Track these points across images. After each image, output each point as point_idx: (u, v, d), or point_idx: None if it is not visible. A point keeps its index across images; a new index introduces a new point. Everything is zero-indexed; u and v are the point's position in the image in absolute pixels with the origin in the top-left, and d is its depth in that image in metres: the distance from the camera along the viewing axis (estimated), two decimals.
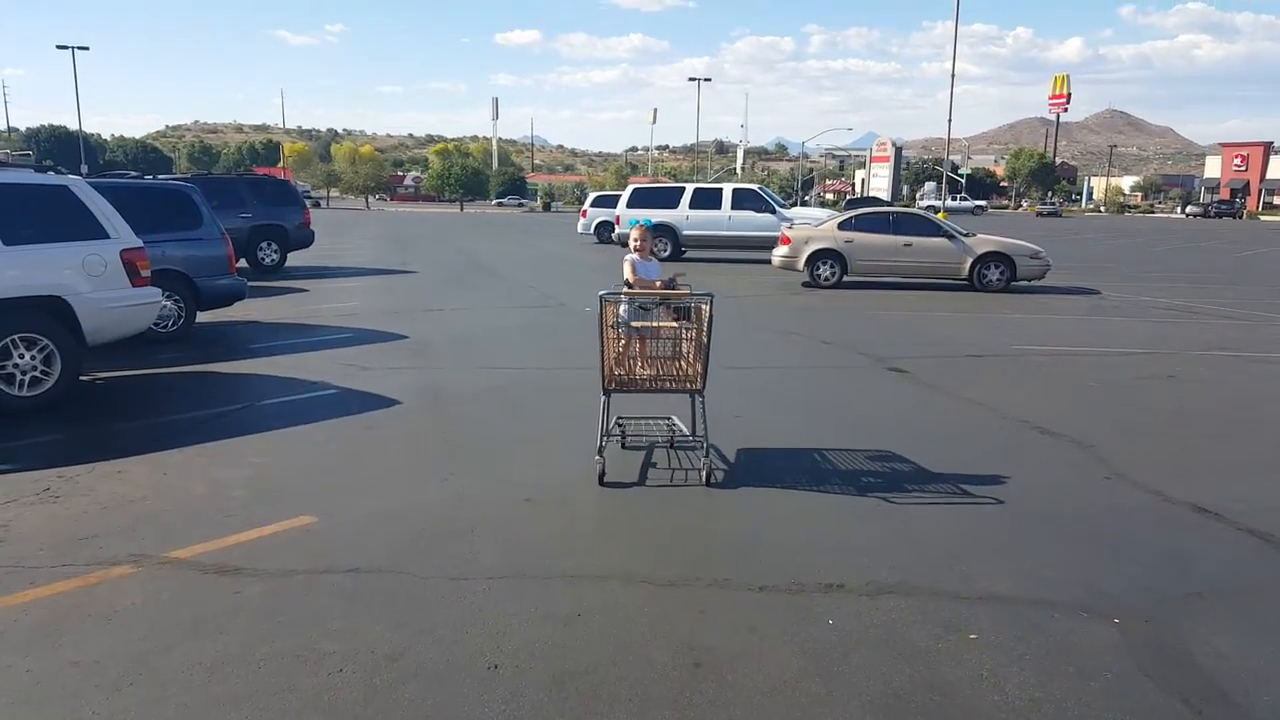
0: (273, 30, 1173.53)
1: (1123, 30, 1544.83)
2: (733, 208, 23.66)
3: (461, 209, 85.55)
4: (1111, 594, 4.01)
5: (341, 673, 3.30)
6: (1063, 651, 3.50)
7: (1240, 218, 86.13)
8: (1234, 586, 4.19)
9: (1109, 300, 16.26)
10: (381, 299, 14.81)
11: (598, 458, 5.49)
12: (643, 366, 5.72)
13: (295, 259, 20.39)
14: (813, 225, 19.16)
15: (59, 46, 68.24)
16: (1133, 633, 3.67)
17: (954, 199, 77.36)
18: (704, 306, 5.51)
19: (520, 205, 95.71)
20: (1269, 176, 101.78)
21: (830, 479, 5.66)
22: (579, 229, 32.30)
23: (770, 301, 15.54)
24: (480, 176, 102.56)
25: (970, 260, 17.01)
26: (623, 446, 6.14)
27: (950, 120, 45.18)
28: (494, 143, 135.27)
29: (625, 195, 25.81)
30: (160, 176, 15.92)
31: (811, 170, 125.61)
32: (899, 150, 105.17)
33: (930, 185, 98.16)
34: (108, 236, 7.78)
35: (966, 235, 17.62)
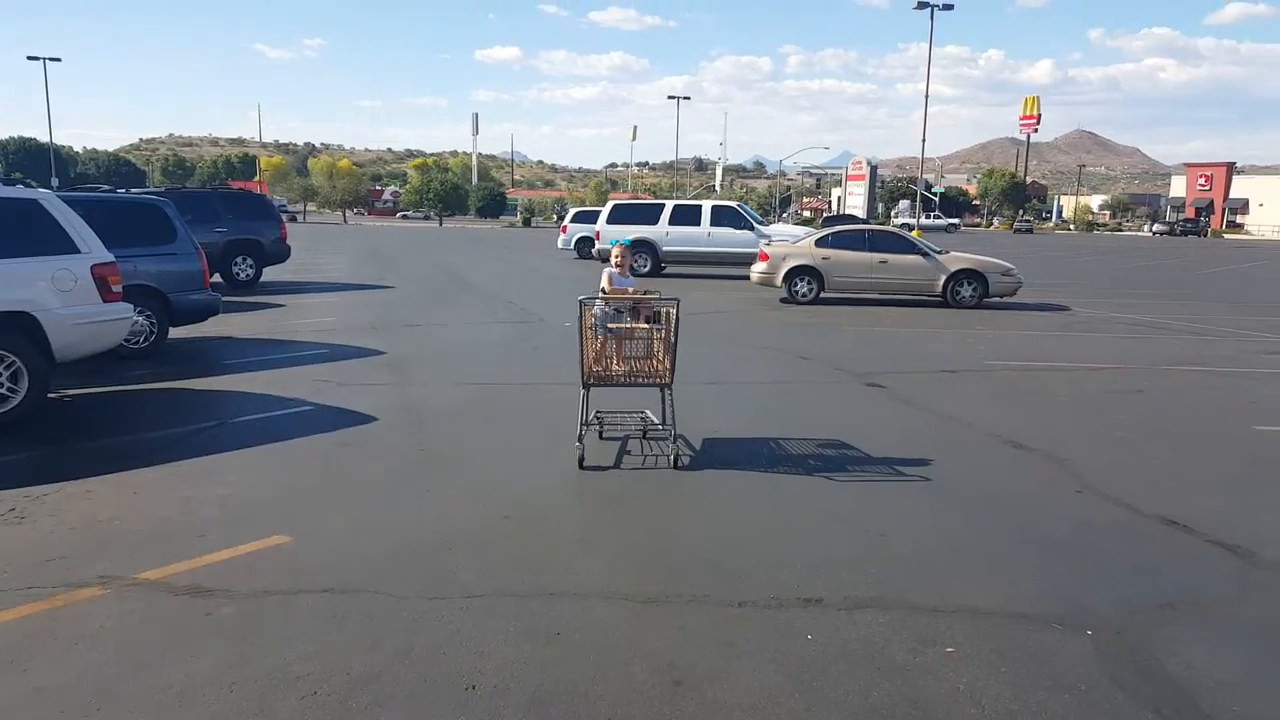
0: (250, 44, 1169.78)
1: (1091, 53, 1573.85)
2: (712, 224, 23.78)
3: (440, 224, 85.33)
4: (1085, 606, 4.05)
5: (316, 695, 3.26)
6: (1038, 664, 3.53)
7: (1205, 236, 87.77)
8: (1204, 598, 4.24)
9: (1079, 316, 16.47)
10: (358, 314, 14.72)
11: (578, 444, 6.07)
12: (618, 364, 6.35)
13: (271, 274, 20.24)
14: (790, 242, 19.34)
15: (30, 58, 67.71)
16: (1106, 645, 3.70)
17: (928, 217, 78.17)
18: (671, 310, 6.15)
19: (428, 217, 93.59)
20: (1232, 195, 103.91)
21: (807, 492, 5.68)
22: (559, 244, 32.32)
23: (748, 317, 15.61)
24: (460, 191, 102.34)
25: (944, 277, 17.20)
26: (600, 437, 6.75)
27: (924, 140, 45.83)
28: (474, 158, 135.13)
29: (606, 211, 25.88)
30: (133, 190, 15.76)
31: (789, 188, 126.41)
32: (874, 169, 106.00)
33: (905, 203, 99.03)
34: (78, 251, 7.69)
35: (940, 253, 17.82)
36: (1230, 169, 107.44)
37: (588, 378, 6.16)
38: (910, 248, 17.80)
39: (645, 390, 6.60)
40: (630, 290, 6.59)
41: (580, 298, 6.19)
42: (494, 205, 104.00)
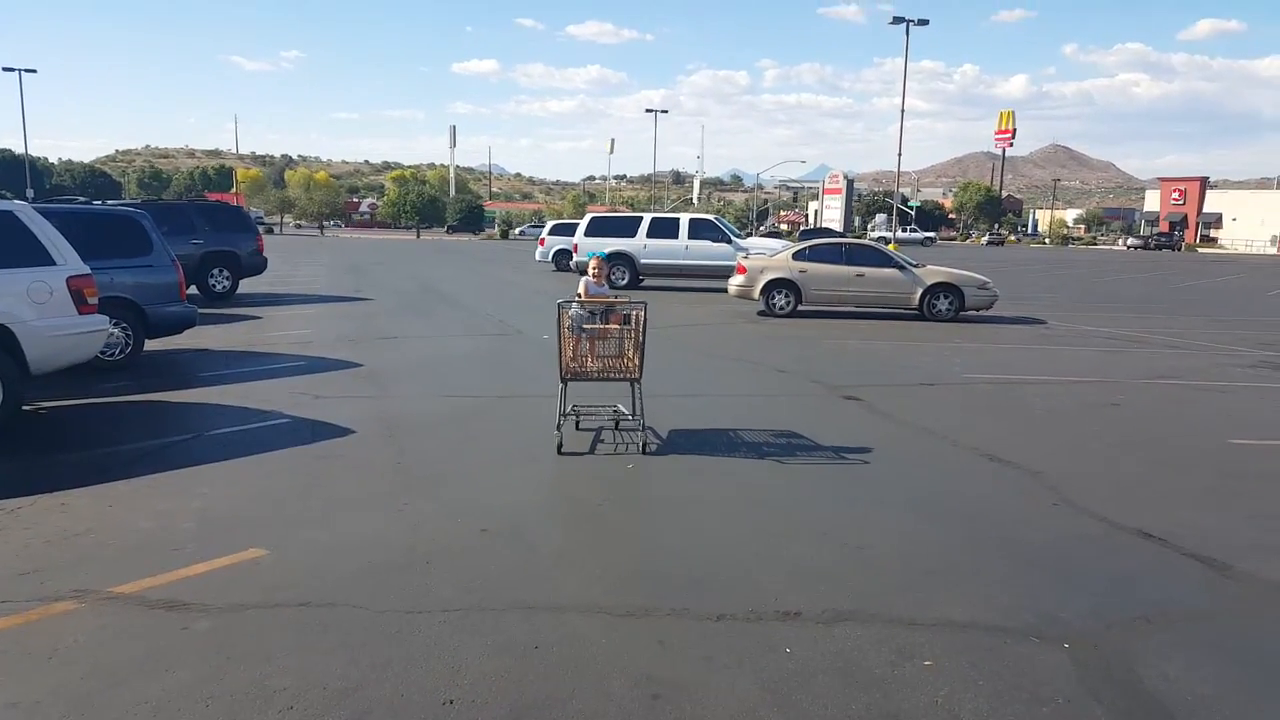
0: (227, 56, 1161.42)
1: (1065, 68, 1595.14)
2: (690, 237, 23.87)
3: (418, 235, 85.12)
4: (1061, 619, 4.09)
5: (292, 710, 3.23)
6: (1015, 677, 3.55)
7: (1179, 250, 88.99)
8: (1180, 611, 4.29)
9: (1054, 330, 16.65)
10: (336, 326, 14.64)
11: (556, 432, 6.82)
12: (592, 361, 7.02)
13: (248, 285, 20.09)
14: (768, 255, 19.42)
15: (5, 69, 66.87)
16: (1082, 657, 3.73)
17: (904, 230, 78.80)
18: (640, 313, 6.92)
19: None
20: (1205, 210, 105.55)
21: (784, 504, 5.71)
22: (537, 257, 32.32)
23: (726, 330, 15.66)
24: (438, 204, 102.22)
25: (920, 290, 17.34)
26: (577, 427, 7.44)
27: (900, 154, 46.23)
28: (451, 170, 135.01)
29: (583, 224, 25.94)
30: (109, 202, 15.63)
31: (766, 201, 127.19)
32: (851, 183, 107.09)
33: (881, 217, 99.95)
34: (54, 263, 7.62)
35: (917, 266, 17.96)
36: (1204, 183, 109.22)
37: (565, 373, 6.90)
38: (887, 261, 17.93)
39: (618, 385, 7.29)
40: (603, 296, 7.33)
41: (559, 301, 6.92)
42: (471, 217, 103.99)
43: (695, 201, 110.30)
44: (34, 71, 69.16)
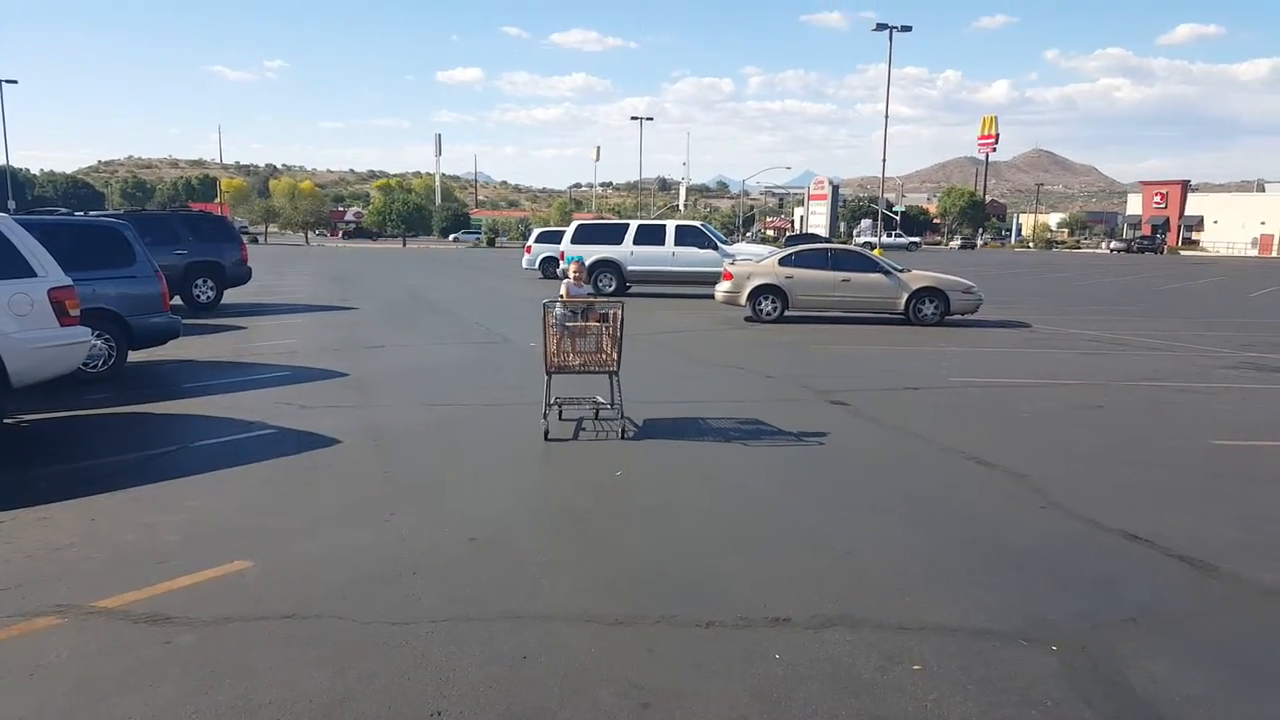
0: (210, 66, 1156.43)
1: (1047, 73, 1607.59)
2: (676, 244, 23.89)
3: (404, 244, 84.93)
4: (1049, 621, 4.10)
5: None
6: (1004, 680, 3.56)
7: (1161, 253, 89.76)
8: (1167, 612, 4.30)
9: (1039, 333, 16.74)
10: (321, 336, 14.57)
11: (542, 420, 7.43)
12: (574, 356, 7.72)
13: (232, 296, 20.00)
14: (754, 261, 19.49)
15: None
16: (1070, 660, 3.74)
17: (889, 236, 79.21)
18: (617, 311, 7.63)
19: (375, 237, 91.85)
20: (1187, 213, 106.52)
21: (771, 510, 5.71)
22: (524, 265, 32.28)
23: (713, 336, 15.67)
24: (423, 212, 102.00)
25: (906, 295, 17.42)
26: (560, 417, 8.01)
27: (885, 159, 46.49)
28: (437, 178, 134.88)
29: (570, 231, 25.94)
30: (91, 213, 15.53)
31: (752, 207, 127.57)
32: (836, 188, 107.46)
33: (866, 222, 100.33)
34: (35, 275, 7.56)
35: (902, 271, 18.06)
36: (1185, 187, 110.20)
37: (550, 367, 7.52)
38: (872, 266, 18.01)
39: (598, 379, 7.92)
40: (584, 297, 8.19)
41: (544, 300, 7.63)
42: (457, 225, 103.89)
43: (681, 208, 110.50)
44: (15, 83, 68.55)
